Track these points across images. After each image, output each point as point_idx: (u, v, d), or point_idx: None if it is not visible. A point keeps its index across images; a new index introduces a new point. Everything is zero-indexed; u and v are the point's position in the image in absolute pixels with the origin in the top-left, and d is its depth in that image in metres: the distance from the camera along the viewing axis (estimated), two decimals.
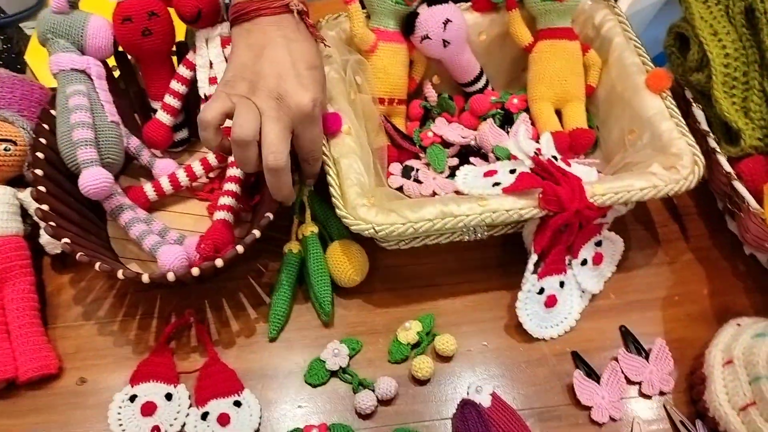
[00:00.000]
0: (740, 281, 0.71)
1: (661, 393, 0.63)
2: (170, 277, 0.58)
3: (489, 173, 0.67)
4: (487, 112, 0.76)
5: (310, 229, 0.68)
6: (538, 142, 0.71)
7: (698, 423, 0.61)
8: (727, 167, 0.67)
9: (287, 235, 0.69)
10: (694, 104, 0.72)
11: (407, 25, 0.72)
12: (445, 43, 0.71)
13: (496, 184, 0.65)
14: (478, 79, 0.77)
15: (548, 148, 0.68)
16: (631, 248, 0.72)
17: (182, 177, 0.71)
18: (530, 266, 0.64)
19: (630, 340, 0.66)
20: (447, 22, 0.71)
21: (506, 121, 0.77)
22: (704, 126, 0.70)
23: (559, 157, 0.68)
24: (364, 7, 0.72)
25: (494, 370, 0.65)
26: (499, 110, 0.77)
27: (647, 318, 0.68)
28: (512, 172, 0.66)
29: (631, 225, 0.74)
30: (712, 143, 0.69)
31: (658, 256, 0.72)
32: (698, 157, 0.65)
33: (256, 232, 0.60)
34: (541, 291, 0.65)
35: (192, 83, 0.72)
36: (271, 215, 0.61)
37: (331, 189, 0.62)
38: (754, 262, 0.71)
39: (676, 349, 0.66)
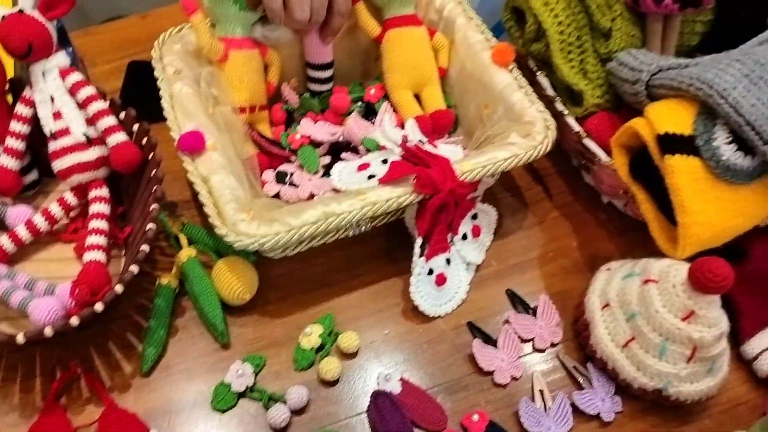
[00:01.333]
0: (603, 229, 0.77)
1: (553, 345, 0.68)
2: (48, 332, 0.54)
3: (363, 167, 0.68)
4: (348, 108, 0.77)
5: (187, 254, 0.65)
6: (403, 128, 0.73)
7: (589, 366, 0.66)
8: (576, 127, 0.72)
9: (169, 263, 0.67)
10: (538, 73, 0.76)
11: None
12: None
13: (371, 176, 0.66)
14: (328, 67, 0.77)
15: (414, 134, 0.70)
16: (503, 215, 0.76)
17: (40, 222, 0.66)
18: (416, 250, 0.66)
19: (517, 302, 0.70)
20: None
21: (369, 112, 0.78)
22: (550, 92, 0.75)
23: (425, 140, 0.71)
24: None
25: (399, 356, 0.66)
26: (359, 104, 0.78)
27: (528, 278, 0.72)
28: (384, 162, 0.67)
29: (500, 194, 0.79)
30: (560, 106, 0.74)
31: (528, 219, 0.77)
32: (549, 122, 0.69)
33: (135, 268, 0.57)
34: (431, 272, 0.67)
35: (34, 121, 0.67)
36: (147, 247, 0.58)
37: (206, 209, 0.60)
38: (612, 209, 0.77)
39: (559, 301, 0.70)
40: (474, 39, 0.76)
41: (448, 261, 0.69)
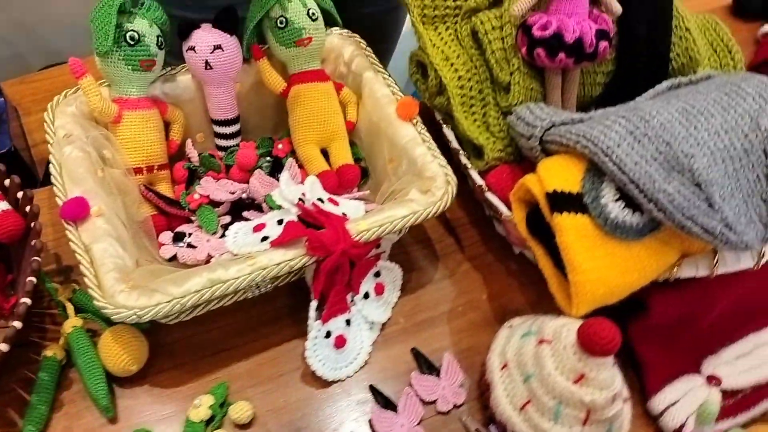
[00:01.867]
0: (514, 279, 0.76)
1: (456, 406, 0.66)
2: None
3: (258, 227, 0.66)
4: (255, 164, 0.76)
5: (72, 324, 0.63)
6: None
7: (491, 428, 0.64)
8: (479, 180, 0.71)
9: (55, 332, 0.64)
10: (444, 126, 0.76)
11: (183, 30, 0.70)
12: (207, 65, 0.70)
13: (265, 238, 0.65)
14: (234, 122, 0.76)
15: (313, 191, 0.69)
16: (414, 269, 0.75)
17: None
18: (311, 312, 0.64)
19: (422, 361, 0.69)
20: (218, 47, 0.70)
21: (277, 168, 0.77)
22: (455, 145, 0.74)
23: (325, 197, 0.70)
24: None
25: (298, 423, 0.64)
26: (267, 159, 0.77)
27: (436, 334, 0.71)
28: (280, 222, 0.66)
29: (411, 247, 0.77)
30: (463, 160, 0.73)
31: (439, 272, 0.76)
32: (450, 177, 0.69)
33: (3, 347, 0.55)
34: (328, 334, 0.66)
35: None
36: (18, 324, 0.56)
37: (86, 279, 0.59)
38: (524, 259, 0.77)
39: (467, 358, 0.69)
40: (380, 93, 0.75)
41: (348, 322, 0.67)
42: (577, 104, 0.73)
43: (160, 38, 0.69)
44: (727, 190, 0.57)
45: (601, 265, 0.59)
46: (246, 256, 0.62)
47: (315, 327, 0.64)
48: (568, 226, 0.59)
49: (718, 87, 0.62)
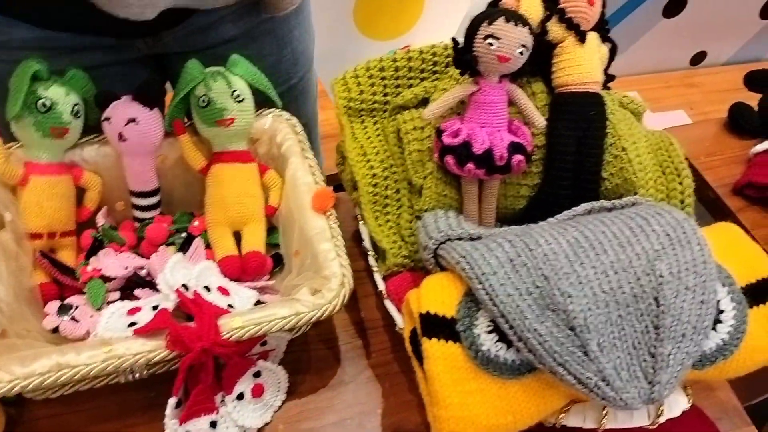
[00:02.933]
0: (414, 397, 0.70)
1: None
2: None
3: (132, 311, 0.64)
4: (166, 239, 0.74)
5: None
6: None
7: None
8: (381, 285, 0.67)
9: None
10: (360, 222, 0.72)
11: (100, 100, 0.71)
12: (121, 137, 0.69)
13: (133, 324, 0.62)
14: (151, 194, 0.75)
15: (201, 278, 0.66)
16: (309, 370, 0.71)
17: None
18: (168, 411, 0.60)
19: None
20: (132, 120, 0.69)
21: (190, 245, 0.75)
22: (366, 244, 0.71)
23: (215, 285, 0.67)
24: None
25: None
26: (180, 236, 0.75)
27: None
28: (155, 308, 0.63)
29: (313, 344, 0.73)
30: (371, 261, 0.69)
31: (337, 377, 0.71)
32: (347, 280, 0.65)
33: None
34: None
35: None
36: None
37: None
38: None
39: None
40: (301, 180, 0.73)
41: (213, 424, 0.63)
42: (499, 217, 0.69)
43: (76, 107, 0.69)
44: (607, 339, 0.51)
45: (470, 402, 0.54)
46: (101, 342, 0.59)
47: (171, 426, 0.60)
48: (437, 354, 0.54)
49: (627, 218, 0.56)
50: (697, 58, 1.64)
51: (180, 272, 0.66)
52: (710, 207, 0.94)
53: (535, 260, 0.52)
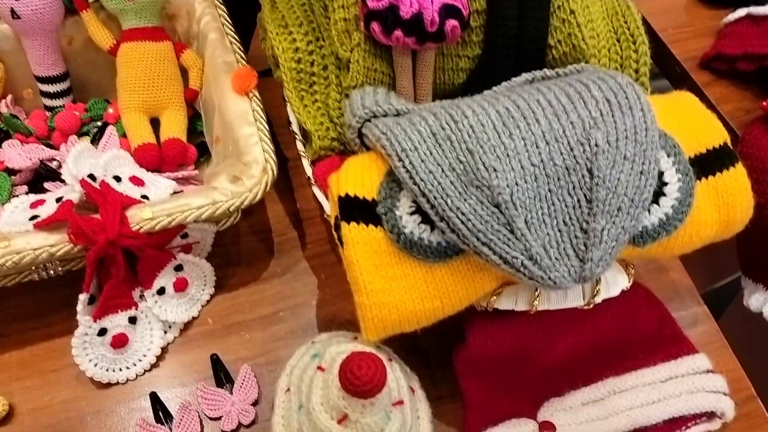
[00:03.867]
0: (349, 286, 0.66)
1: (244, 426, 0.58)
2: None
3: (36, 204, 0.59)
4: (79, 128, 0.68)
5: None
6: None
7: None
8: (308, 171, 0.62)
9: None
10: (287, 103, 0.66)
11: None
12: (14, 13, 0.63)
13: (35, 217, 0.57)
14: (59, 80, 0.68)
15: (110, 167, 0.61)
16: (241, 263, 0.67)
17: None
18: (80, 307, 0.57)
19: (219, 370, 0.61)
20: None
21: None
22: (294, 128, 0.65)
23: (127, 175, 0.61)
24: None
25: (59, 427, 0.57)
26: (96, 124, 0.69)
27: (247, 341, 0.63)
28: (59, 200, 0.58)
29: (245, 237, 0.69)
30: (299, 146, 0.64)
31: (269, 269, 0.67)
32: (270, 166, 0.60)
33: None
34: (103, 332, 0.58)
35: None
36: None
37: None
38: None
39: (274, 372, 0.61)
40: (221, 59, 0.66)
41: (132, 320, 0.59)
42: (437, 93, 0.63)
43: None
44: (536, 215, 0.46)
45: (395, 288, 0.50)
46: (1, 236, 0.54)
47: (84, 323, 0.57)
48: (356, 239, 0.50)
49: (566, 85, 0.50)
50: None
51: (86, 162, 0.60)
52: (676, 82, 0.89)
53: (459, 133, 0.47)
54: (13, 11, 0.62)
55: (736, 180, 0.52)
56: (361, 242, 0.50)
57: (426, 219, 0.48)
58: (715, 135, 0.53)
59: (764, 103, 0.73)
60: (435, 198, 0.46)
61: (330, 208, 0.57)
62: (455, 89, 0.63)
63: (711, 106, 0.82)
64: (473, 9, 0.59)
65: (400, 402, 0.51)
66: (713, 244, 0.58)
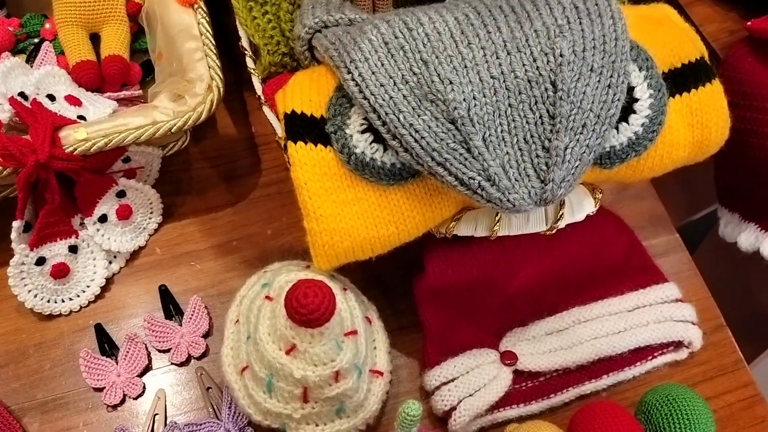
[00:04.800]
0: None
1: (195, 358, 0.56)
2: None
3: None
4: (13, 45, 0.63)
5: None
6: None
7: (226, 389, 0.54)
8: (258, 90, 0.57)
9: None
10: (236, 16, 0.61)
11: None
12: None
13: None
14: None
15: (42, 85, 0.56)
16: (191, 191, 0.63)
17: None
18: (14, 235, 0.53)
19: (168, 302, 0.58)
20: None
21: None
22: (244, 43, 0.60)
23: (62, 94, 0.57)
24: None
25: None
26: (32, 41, 0.64)
27: (197, 271, 0.60)
28: None
29: (196, 163, 0.65)
30: (249, 63, 0.59)
31: (222, 196, 0.64)
32: (217, 83, 0.55)
33: None
34: (42, 261, 0.55)
35: None
36: None
37: None
38: None
39: (226, 303, 0.58)
40: None
41: (73, 249, 0.56)
42: (399, 2, 0.58)
43: None
44: (494, 132, 0.43)
45: (346, 213, 0.47)
46: None
47: (20, 252, 0.53)
48: (304, 160, 0.46)
49: None
50: None
51: (17, 79, 0.55)
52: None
53: (413, 42, 0.43)
54: None
55: (711, 97, 0.49)
56: (309, 163, 0.46)
57: (378, 137, 0.45)
58: (692, 48, 0.49)
59: (748, 24, 0.69)
60: (386, 114, 0.43)
61: (280, 129, 0.53)
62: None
63: (694, 26, 0.78)
64: None
65: (354, 332, 0.48)
66: (691, 173, 0.55)
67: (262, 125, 0.68)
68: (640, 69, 0.46)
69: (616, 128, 0.46)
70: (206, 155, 0.65)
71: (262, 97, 0.57)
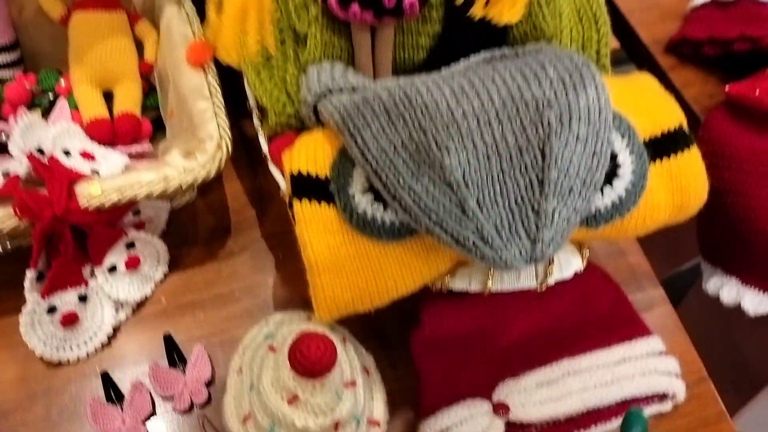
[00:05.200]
0: None
1: (198, 406, 0.58)
2: None
3: None
4: (29, 100, 0.66)
5: None
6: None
7: None
8: (265, 148, 0.61)
9: None
10: (244, 78, 0.65)
11: None
12: None
13: None
14: (8, 50, 0.66)
15: (58, 141, 0.59)
16: (196, 242, 0.66)
17: None
18: (27, 284, 0.55)
19: (172, 350, 0.60)
20: None
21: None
22: (251, 102, 0.63)
23: (77, 150, 0.60)
24: None
25: (6, 406, 0.56)
26: (47, 96, 0.67)
27: (201, 320, 0.62)
28: (7, 175, 0.56)
29: (202, 216, 0.68)
30: (255, 121, 0.62)
31: (226, 247, 0.66)
32: (226, 142, 0.59)
33: None
34: (53, 310, 0.57)
35: None
36: None
37: None
38: None
39: (229, 352, 0.60)
40: (176, 30, 0.65)
41: (83, 298, 0.58)
42: (397, 70, 0.62)
43: None
44: (487, 195, 0.46)
45: (348, 268, 0.49)
46: None
47: (32, 300, 0.56)
48: (308, 216, 0.49)
49: (523, 64, 0.50)
50: None
51: (34, 134, 0.58)
52: (642, 65, 0.89)
53: (413, 110, 0.46)
54: None
55: (690, 163, 0.52)
56: (313, 220, 0.49)
57: (379, 197, 0.48)
58: (671, 117, 0.53)
59: (727, 88, 0.73)
60: (387, 176, 0.46)
61: (285, 186, 0.56)
62: (415, 66, 0.62)
63: (675, 90, 0.82)
64: None
65: (353, 383, 0.50)
66: (675, 228, 0.58)
67: (264, 179, 0.71)
68: (623, 137, 0.50)
69: (601, 191, 0.49)
70: (212, 207, 0.68)
71: (268, 155, 0.60)
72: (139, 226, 0.61)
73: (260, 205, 0.69)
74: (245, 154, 0.71)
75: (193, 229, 0.66)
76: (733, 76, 0.77)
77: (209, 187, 0.68)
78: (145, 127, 0.67)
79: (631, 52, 0.91)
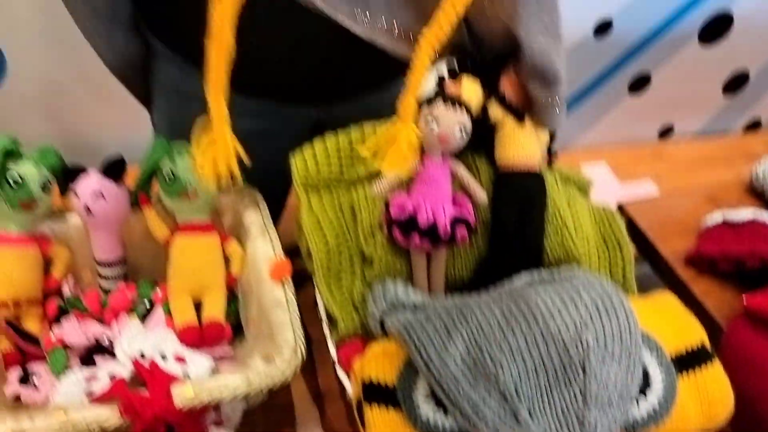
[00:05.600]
0: None
1: None
2: None
3: (90, 379, 0.65)
4: (129, 307, 0.76)
5: None
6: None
7: None
8: (333, 354, 0.69)
9: None
10: (316, 290, 0.75)
11: (69, 174, 0.73)
12: (88, 210, 0.73)
13: (89, 391, 0.63)
14: (116, 264, 0.78)
15: (157, 346, 0.68)
16: None
17: None
18: None
19: None
20: (100, 195, 0.73)
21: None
22: (321, 311, 0.73)
23: (171, 354, 0.69)
24: None
25: None
26: (144, 303, 0.77)
27: None
28: (113, 377, 0.65)
29: (270, 411, 0.74)
30: (325, 329, 0.71)
31: None
32: (300, 349, 0.67)
33: None
34: None
35: None
36: None
37: None
38: None
39: None
40: (260, 249, 0.76)
41: None
42: (448, 285, 0.72)
43: (45, 181, 0.72)
44: (537, 406, 0.53)
45: None
46: (58, 408, 0.61)
47: None
48: (377, 421, 0.56)
49: (560, 288, 0.59)
50: (665, 131, 1.70)
51: (136, 341, 0.68)
52: (664, 276, 0.97)
53: (469, 329, 0.55)
54: (87, 208, 0.73)
55: (714, 376, 0.59)
56: (381, 425, 0.56)
57: (440, 403, 0.55)
58: (694, 336, 0.61)
59: (745, 301, 0.81)
60: (448, 387, 0.53)
61: (352, 390, 0.63)
62: (464, 283, 0.72)
63: (696, 300, 0.90)
64: (480, 219, 0.69)
65: None
66: None
67: (327, 379, 0.78)
68: (651, 354, 0.57)
69: (636, 402, 0.56)
70: (278, 404, 0.75)
71: (337, 360, 0.68)
72: (218, 423, 0.68)
73: (322, 403, 0.76)
74: (308, 355, 0.79)
75: (263, 424, 0.72)
76: (750, 285, 0.85)
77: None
78: (227, 332, 0.76)
79: (654, 264, 1.00)
